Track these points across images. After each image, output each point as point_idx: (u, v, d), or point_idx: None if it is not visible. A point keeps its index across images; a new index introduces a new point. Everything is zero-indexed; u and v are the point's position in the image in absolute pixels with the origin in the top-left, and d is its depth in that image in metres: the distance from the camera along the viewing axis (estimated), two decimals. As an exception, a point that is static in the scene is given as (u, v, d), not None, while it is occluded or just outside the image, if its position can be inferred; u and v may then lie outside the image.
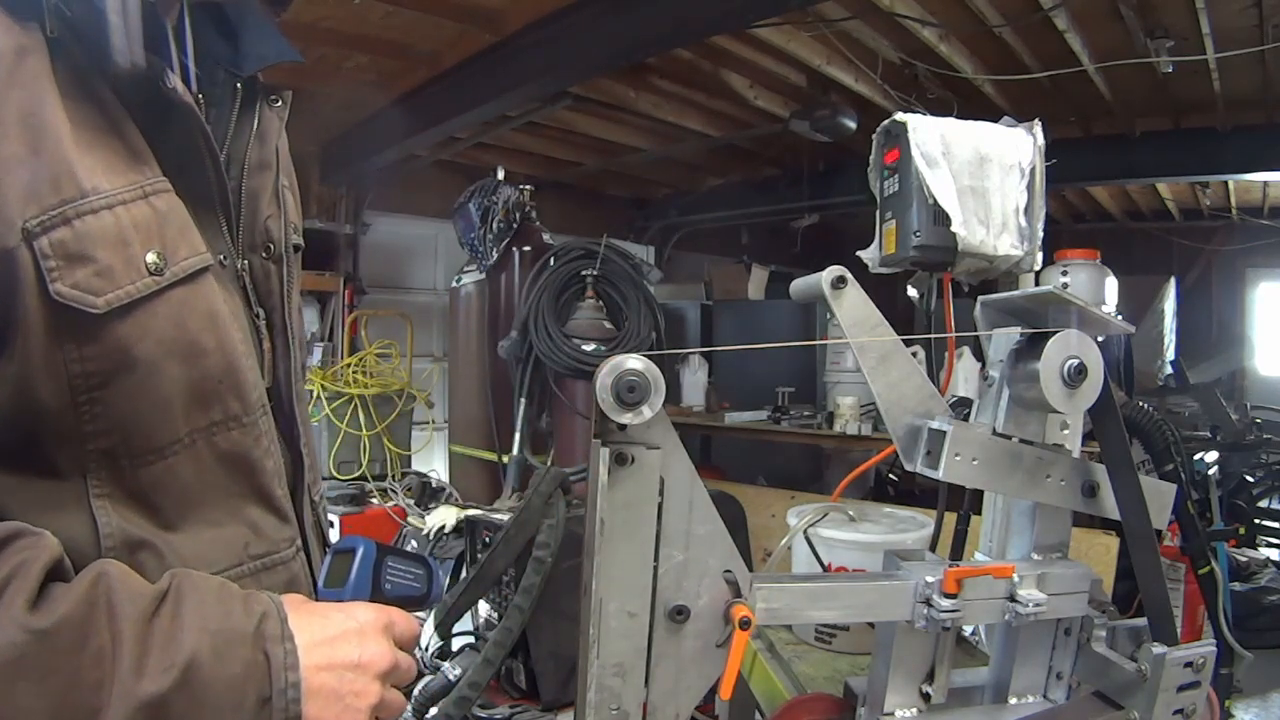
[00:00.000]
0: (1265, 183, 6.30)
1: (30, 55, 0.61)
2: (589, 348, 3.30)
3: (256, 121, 0.81)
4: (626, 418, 0.75)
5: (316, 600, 0.74)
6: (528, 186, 3.98)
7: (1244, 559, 3.96)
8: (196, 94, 0.74)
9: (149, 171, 0.67)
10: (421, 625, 0.80)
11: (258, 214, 0.81)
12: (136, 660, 0.56)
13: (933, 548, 1.25)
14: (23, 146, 0.60)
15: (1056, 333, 0.94)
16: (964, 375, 2.96)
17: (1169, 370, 5.95)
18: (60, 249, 0.60)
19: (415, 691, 2.23)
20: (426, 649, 2.52)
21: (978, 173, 1.10)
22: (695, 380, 5.40)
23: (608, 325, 3.44)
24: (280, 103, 0.84)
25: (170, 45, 0.68)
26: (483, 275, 4.03)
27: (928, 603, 0.92)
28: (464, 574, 2.78)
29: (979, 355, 1.11)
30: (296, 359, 0.85)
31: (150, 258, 0.65)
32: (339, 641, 0.66)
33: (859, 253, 1.26)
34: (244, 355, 0.74)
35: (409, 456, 4.66)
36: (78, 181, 0.62)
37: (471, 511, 2.71)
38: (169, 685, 0.57)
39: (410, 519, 3.59)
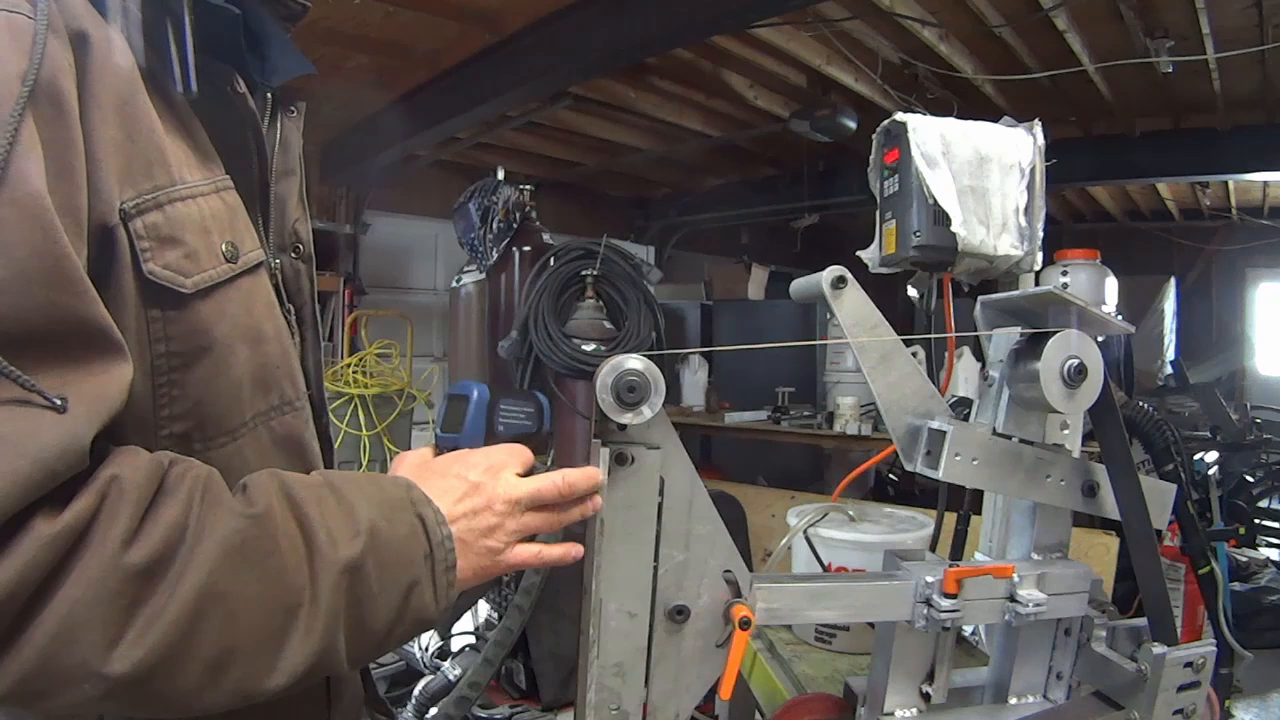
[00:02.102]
0: (1265, 183, 6.30)
1: (116, 50, 0.64)
2: (589, 348, 3.30)
3: (280, 131, 0.86)
4: (626, 418, 0.75)
5: (436, 443, 0.82)
6: (528, 186, 3.97)
7: (1244, 559, 3.96)
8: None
9: (217, 170, 0.72)
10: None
11: (287, 217, 0.86)
12: (329, 533, 0.63)
13: (933, 548, 1.25)
14: (120, 132, 0.63)
15: (1056, 333, 0.94)
16: (964, 375, 2.96)
17: (1169, 370, 5.94)
18: (154, 231, 0.64)
19: (415, 691, 2.24)
20: (426, 649, 2.52)
21: (978, 173, 1.10)
22: (695, 380, 5.40)
23: (608, 325, 3.43)
24: (295, 112, 0.89)
25: (188, 47, 0.69)
26: (483, 275, 4.02)
27: (928, 603, 0.92)
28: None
29: (979, 355, 1.11)
30: (320, 352, 0.92)
31: (225, 248, 0.70)
32: (463, 497, 0.74)
33: (859, 253, 1.26)
34: (290, 344, 0.80)
35: (409, 457, 4.65)
36: (169, 170, 0.66)
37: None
38: (360, 549, 0.64)
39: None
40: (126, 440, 0.64)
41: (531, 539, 0.78)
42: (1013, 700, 1.06)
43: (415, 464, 0.80)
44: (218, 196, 0.71)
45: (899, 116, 1.13)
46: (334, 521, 0.65)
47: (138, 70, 0.65)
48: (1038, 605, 0.94)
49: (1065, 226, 8.10)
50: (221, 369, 0.69)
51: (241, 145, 0.78)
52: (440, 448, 0.83)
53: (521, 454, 0.80)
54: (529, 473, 0.79)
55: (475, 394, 0.85)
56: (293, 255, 0.87)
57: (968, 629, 1.41)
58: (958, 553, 1.21)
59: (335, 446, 0.92)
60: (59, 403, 0.53)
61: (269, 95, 0.83)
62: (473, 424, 0.84)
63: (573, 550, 0.79)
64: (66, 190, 0.58)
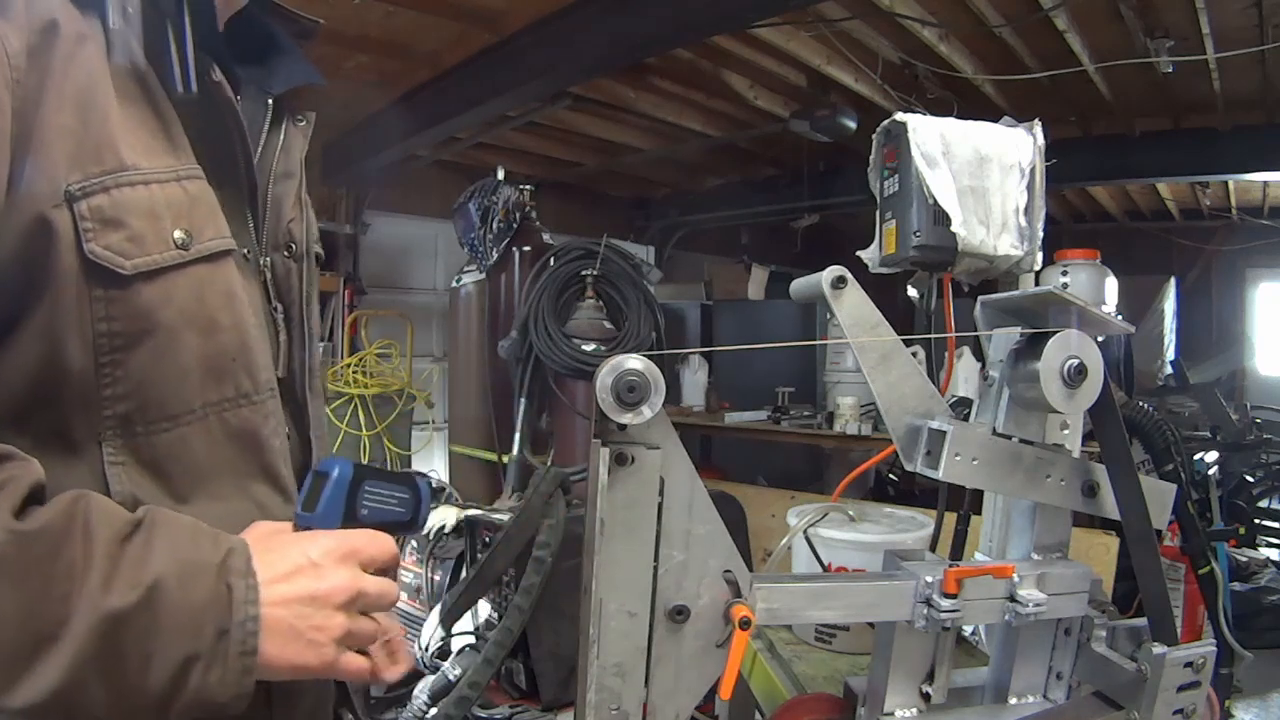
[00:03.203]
0: (1265, 183, 6.30)
1: (89, 41, 0.68)
2: (589, 348, 3.30)
3: (283, 136, 0.89)
4: (626, 418, 0.75)
5: (295, 526, 0.74)
6: (528, 186, 3.98)
7: (1244, 559, 3.96)
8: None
9: (184, 159, 0.73)
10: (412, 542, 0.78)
11: (281, 217, 0.87)
12: (105, 576, 0.59)
13: (933, 548, 1.25)
14: (74, 119, 0.66)
15: (1056, 333, 0.94)
16: (964, 375, 2.96)
17: (1169, 370, 5.94)
18: (97, 213, 0.66)
19: (415, 691, 2.23)
20: (426, 649, 2.52)
21: (978, 173, 1.10)
22: (695, 380, 5.41)
23: (608, 325, 3.44)
24: (304, 122, 0.92)
25: (188, 45, 0.73)
26: (483, 275, 4.03)
27: (928, 603, 0.92)
28: (464, 574, 2.78)
29: (979, 355, 1.11)
30: (312, 353, 0.90)
31: (178, 234, 0.70)
32: (296, 576, 0.67)
33: (859, 253, 1.26)
34: (256, 338, 0.78)
35: (409, 456, 4.66)
36: (119, 156, 0.68)
37: (471, 511, 2.71)
38: (133, 603, 0.59)
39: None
40: (71, 418, 0.68)
41: (364, 652, 0.72)
42: (1013, 700, 1.06)
43: (265, 532, 0.72)
44: (178, 185, 0.72)
45: (899, 116, 1.13)
46: (121, 565, 0.60)
47: (106, 63, 0.68)
48: (1038, 605, 0.94)
49: (1065, 226, 8.10)
50: (165, 353, 0.70)
51: (224, 138, 0.78)
52: (299, 528, 0.74)
53: (381, 545, 0.73)
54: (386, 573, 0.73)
55: (336, 471, 0.73)
56: (285, 254, 0.87)
57: (968, 629, 1.41)
58: (958, 553, 1.21)
59: (334, 448, 0.91)
60: None
61: (268, 102, 0.86)
62: (327, 505, 0.72)
63: (398, 670, 0.74)
64: None
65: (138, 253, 0.68)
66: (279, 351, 0.85)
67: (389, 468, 4.32)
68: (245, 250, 0.81)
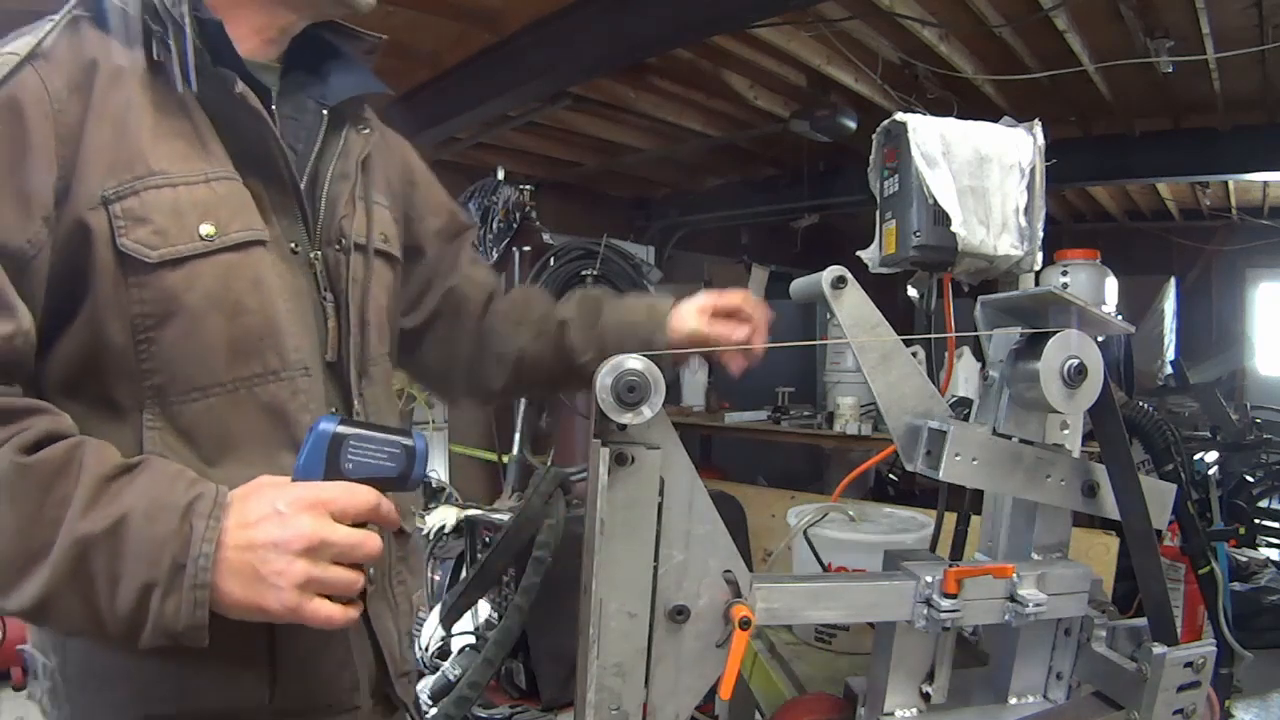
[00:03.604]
0: (1265, 183, 6.29)
1: (127, 73, 0.81)
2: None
3: (343, 141, 0.97)
4: (626, 418, 0.75)
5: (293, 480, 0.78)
6: (528, 186, 3.99)
7: (1244, 559, 3.96)
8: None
9: (216, 163, 0.84)
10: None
11: (335, 215, 0.95)
12: (84, 506, 0.69)
13: (933, 548, 1.25)
14: (110, 137, 0.79)
15: (1056, 333, 0.94)
16: (964, 375, 2.96)
17: (1169, 370, 5.94)
18: (129, 213, 0.78)
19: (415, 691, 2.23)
20: (426, 649, 2.52)
21: (978, 173, 1.10)
22: (695, 380, 5.40)
23: (608, 325, 3.43)
24: (367, 130, 1.02)
25: (188, 50, 0.81)
26: (483, 275, 4.02)
27: (928, 603, 0.92)
28: (464, 574, 2.78)
29: (979, 355, 1.11)
30: (367, 341, 0.96)
31: (205, 228, 0.81)
32: (262, 523, 0.71)
33: (859, 253, 1.26)
34: (288, 321, 0.86)
35: (409, 456, 4.65)
36: (148, 164, 0.79)
37: (471, 511, 2.71)
38: (100, 529, 0.68)
39: (410, 519, 3.58)
40: (116, 388, 0.81)
41: (350, 603, 0.74)
42: (1013, 700, 1.06)
43: (257, 484, 0.76)
44: (206, 186, 0.82)
45: (899, 116, 1.13)
46: (100, 499, 0.69)
47: (143, 87, 0.81)
48: (1038, 605, 0.94)
49: (1065, 226, 8.10)
50: (192, 331, 0.80)
51: (262, 145, 0.87)
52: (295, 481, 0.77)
53: (355, 497, 0.74)
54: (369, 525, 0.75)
55: (319, 427, 0.75)
56: (335, 248, 0.94)
57: (968, 629, 1.41)
58: (958, 553, 1.21)
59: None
60: None
61: (324, 112, 0.95)
62: (307, 459, 0.74)
63: (351, 614, 0.74)
64: (17, 181, 0.75)
65: (162, 244, 0.79)
66: (327, 336, 0.92)
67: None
68: (293, 244, 0.90)
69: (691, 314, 1.20)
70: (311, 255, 0.92)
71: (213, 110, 0.84)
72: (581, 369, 1.19)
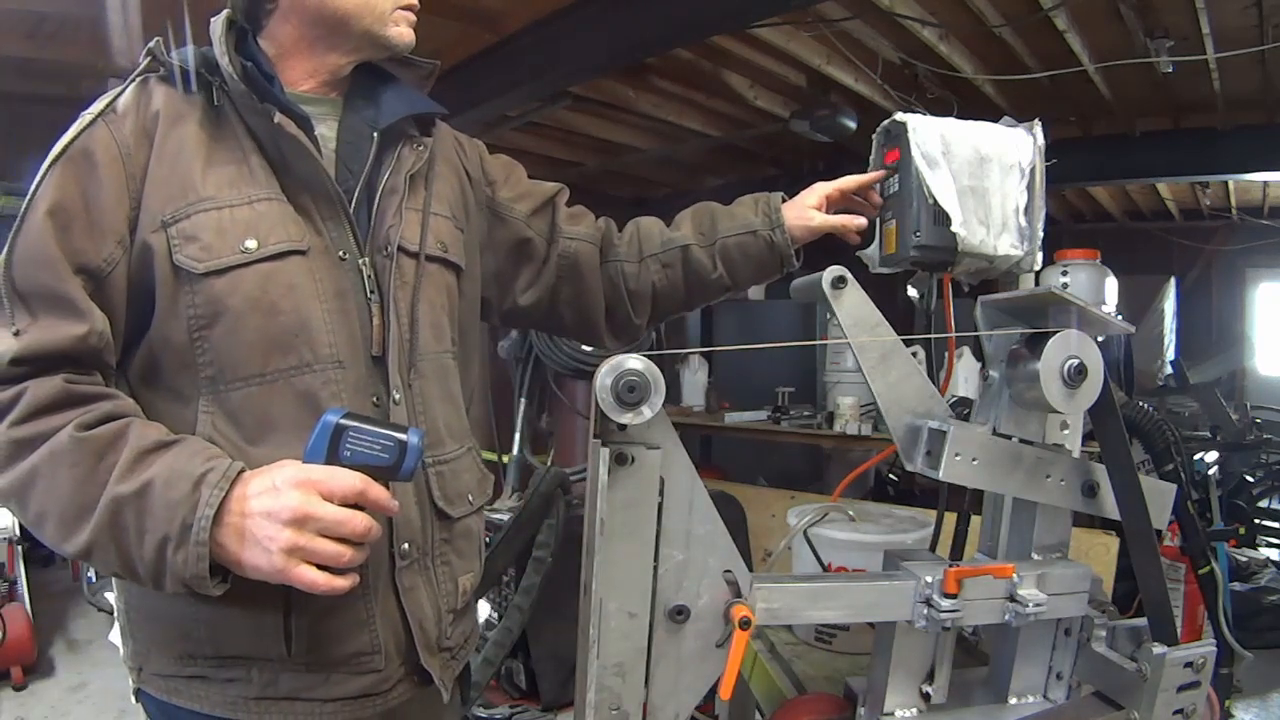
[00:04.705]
0: (1265, 183, 6.29)
1: (185, 117, 0.96)
2: (588, 348, 3.30)
3: (395, 159, 1.07)
4: (626, 418, 0.75)
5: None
6: (528, 187, 3.97)
7: (1244, 559, 3.96)
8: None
9: (260, 187, 0.97)
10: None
11: (383, 224, 1.05)
12: (123, 473, 0.84)
13: (933, 548, 1.25)
14: (169, 171, 0.94)
15: (1056, 333, 0.94)
16: (964, 375, 2.96)
17: (1169, 370, 5.93)
18: (182, 233, 0.93)
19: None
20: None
21: (978, 173, 1.10)
22: (695, 380, 5.39)
23: (608, 325, 3.43)
24: (421, 146, 1.11)
25: (190, 61, 0.97)
26: (483, 275, 4.02)
27: (928, 603, 0.92)
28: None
29: (979, 355, 1.11)
30: (420, 338, 1.05)
31: (249, 242, 0.94)
32: (260, 495, 0.84)
33: (859, 253, 1.26)
34: (320, 320, 0.97)
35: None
36: (198, 192, 0.94)
37: (471, 511, 2.70)
38: (131, 491, 0.83)
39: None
40: (179, 378, 0.95)
41: (342, 573, 0.85)
42: (1013, 700, 1.06)
43: (278, 462, 0.88)
44: (249, 207, 0.95)
45: (899, 116, 1.13)
46: (136, 468, 0.84)
47: (198, 127, 0.96)
48: (1038, 605, 0.94)
49: (1065, 226, 8.10)
50: (235, 330, 0.93)
51: (306, 166, 0.99)
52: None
53: (341, 480, 0.85)
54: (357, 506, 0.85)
55: (323, 420, 0.86)
56: (383, 255, 1.03)
57: (968, 629, 1.41)
58: (958, 553, 1.21)
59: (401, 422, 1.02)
60: (16, 332, 0.87)
61: (374, 134, 1.06)
62: (312, 446, 0.86)
63: (336, 582, 0.85)
64: (92, 212, 0.91)
65: (207, 257, 0.93)
66: (372, 333, 1.01)
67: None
68: (341, 252, 1.00)
69: (810, 209, 1.26)
70: (360, 261, 1.02)
71: (261, 140, 0.98)
72: (715, 283, 1.31)
